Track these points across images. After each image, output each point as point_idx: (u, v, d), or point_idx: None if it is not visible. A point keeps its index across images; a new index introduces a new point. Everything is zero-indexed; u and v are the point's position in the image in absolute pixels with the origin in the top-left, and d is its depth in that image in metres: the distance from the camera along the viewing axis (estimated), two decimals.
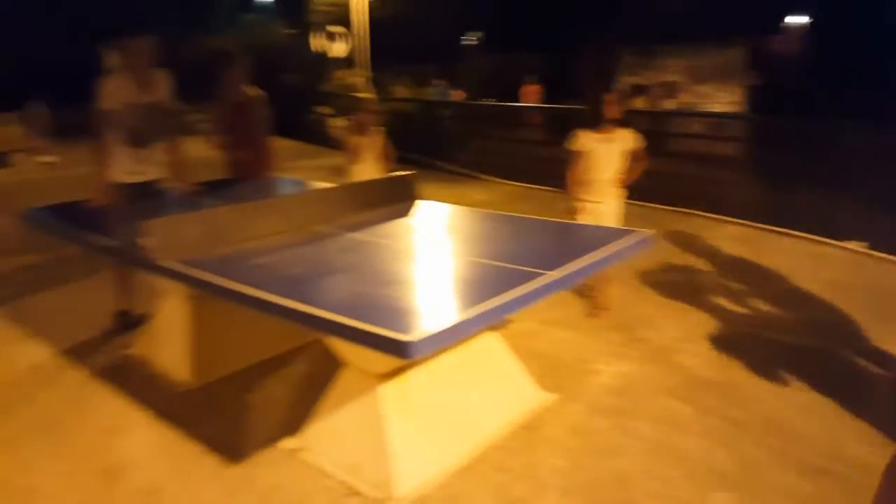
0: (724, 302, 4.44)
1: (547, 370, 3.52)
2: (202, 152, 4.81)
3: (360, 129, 4.91)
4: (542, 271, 2.45)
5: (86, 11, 17.69)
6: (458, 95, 14.89)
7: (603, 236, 3.06)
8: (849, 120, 7.08)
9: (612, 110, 4.05)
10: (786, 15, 19.18)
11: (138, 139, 3.95)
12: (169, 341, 3.52)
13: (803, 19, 20.16)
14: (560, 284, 2.45)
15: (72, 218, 3.59)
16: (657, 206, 7.20)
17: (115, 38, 3.87)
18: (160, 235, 2.75)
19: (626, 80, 13.17)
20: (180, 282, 2.83)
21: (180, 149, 4.19)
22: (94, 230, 3.31)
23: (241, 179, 4.50)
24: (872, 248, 5.64)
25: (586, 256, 2.65)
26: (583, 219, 4.09)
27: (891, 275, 5.13)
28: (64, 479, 2.70)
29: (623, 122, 4.16)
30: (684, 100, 13.71)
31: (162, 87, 3.98)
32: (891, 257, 5.42)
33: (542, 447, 2.82)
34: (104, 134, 3.81)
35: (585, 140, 4.09)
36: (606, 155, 4.08)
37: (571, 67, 15.03)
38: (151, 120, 3.94)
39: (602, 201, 4.12)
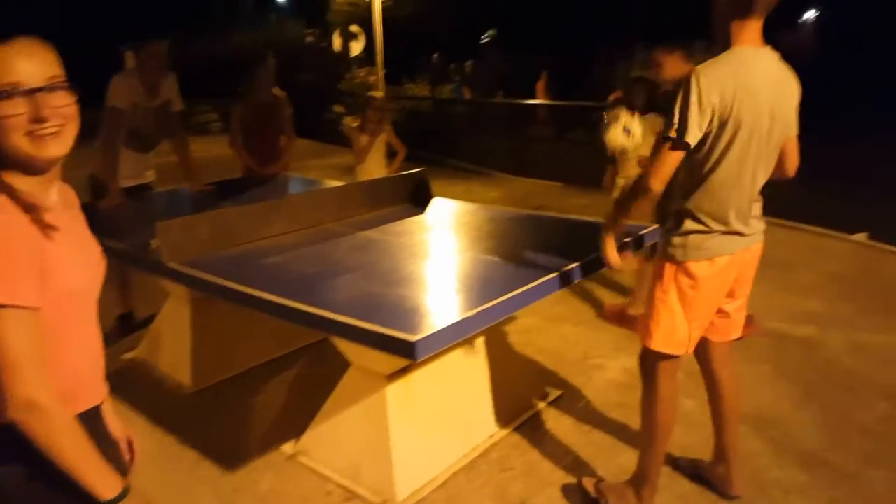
0: None
1: (552, 366, 3.56)
2: (215, 151, 4.85)
3: (368, 127, 4.95)
4: (547, 267, 2.48)
5: (104, 11, 17.92)
6: (469, 93, 14.97)
7: None
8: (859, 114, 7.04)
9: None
10: (800, 12, 18.99)
11: (142, 142, 4.00)
12: (170, 345, 3.58)
13: (813, 15, 20.01)
14: (563, 281, 2.48)
15: None
16: None
17: (134, 40, 3.90)
18: (169, 237, 2.78)
19: (633, 74, 13.05)
20: (186, 284, 2.83)
21: (189, 150, 4.25)
22: (99, 233, 3.34)
23: (255, 179, 4.55)
24: (873, 238, 5.65)
25: (591, 253, 2.67)
26: None
27: (891, 265, 5.15)
28: None
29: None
30: None
31: (170, 90, 4.02)
32: (892, 248, 5.44)
33: (545, 445, 2.86)
34: (110, 133, 3.80)
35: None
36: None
37: (583, 64, 14.96)
38: (157, 123, 3.98)
39: None
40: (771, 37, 2.07)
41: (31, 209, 1.15)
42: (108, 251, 3.20)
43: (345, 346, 2.64)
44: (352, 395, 2.73)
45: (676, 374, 2.34)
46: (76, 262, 1.24)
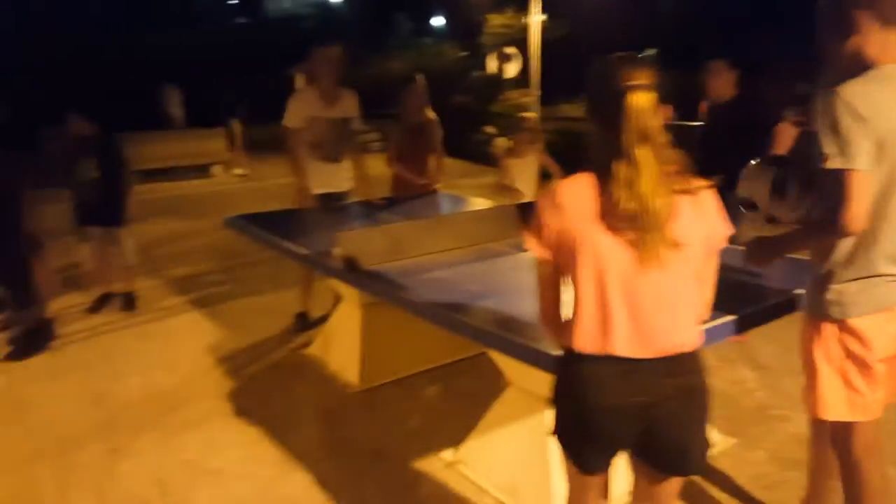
0: None
1: (724, 412, 3.24)
2: (376, 170, 5.03)
3: (519, 149, 4.88)
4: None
5: (275, 37, 19.74)
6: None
7: None
8: None
9: None
10: None
11: (326, 152, 4.21)
12: (341, 344, 3.75)
13: None
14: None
15: (268, 225, 3.84)
16: None
17: (302, 61, 4.17)
18: (349, 246, 2.92)
19: None
20: (362, 289, 2.96)
21: (365, 164, 4.43)
22: (288, 237, 3.54)
23: (411, 196, 4.62)
24: None
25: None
26: None
27: None
28: (243, 464, 2.91)
29: None
30: None
31: (349, 104, 4.21)
32: None
33: (718, 494, 2.63)
34: (294, 148, 4.11)
35: None
36: None
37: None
38: (338, 134, 4.18)
39: None
40: None
41: None
42: (296, 255, 3.46)
43: (504, 364, 2.61)
44: (511, 413, 2.70)
45: (877, 445, 1.97)
46: None
